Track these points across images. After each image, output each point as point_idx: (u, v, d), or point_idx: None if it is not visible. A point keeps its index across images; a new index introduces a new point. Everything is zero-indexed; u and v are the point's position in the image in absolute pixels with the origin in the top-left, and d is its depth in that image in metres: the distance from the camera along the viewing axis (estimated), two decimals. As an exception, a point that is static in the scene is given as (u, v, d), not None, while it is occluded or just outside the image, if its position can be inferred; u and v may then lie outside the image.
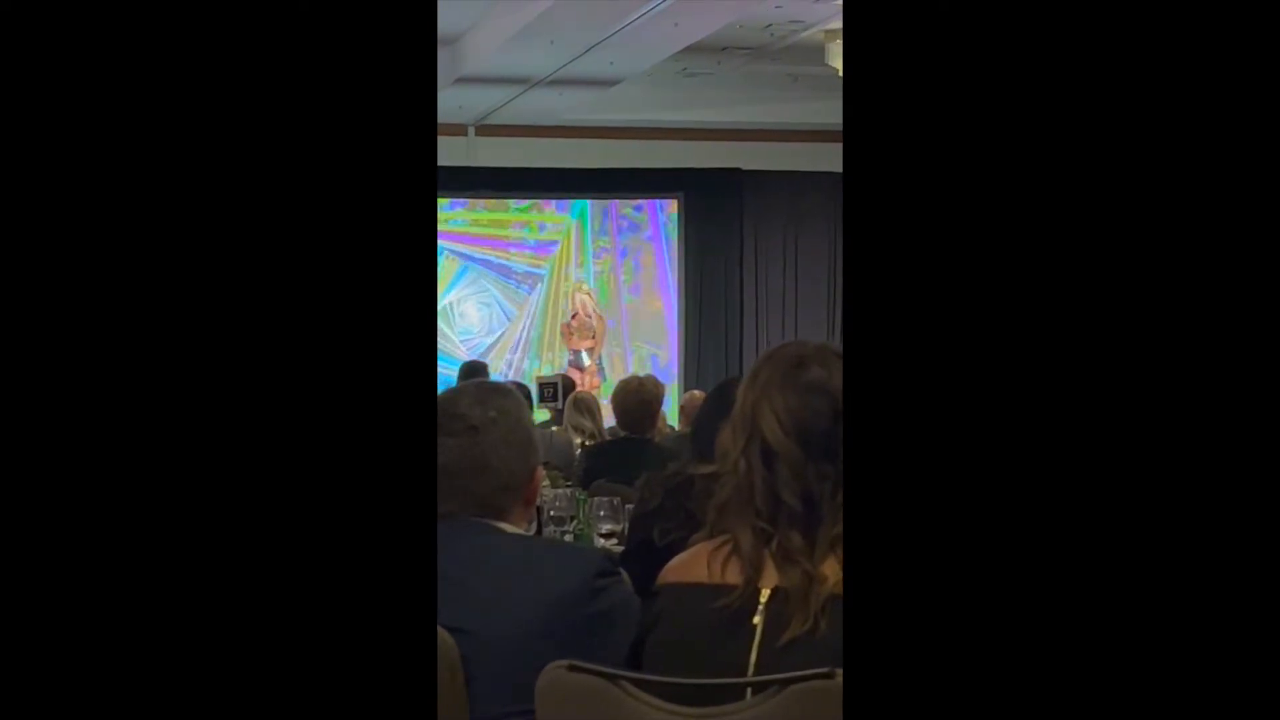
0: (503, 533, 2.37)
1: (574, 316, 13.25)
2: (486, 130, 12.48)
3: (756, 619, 2.08)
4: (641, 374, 7.14)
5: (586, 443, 7.24)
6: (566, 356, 13.24)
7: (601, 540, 4.20)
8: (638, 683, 2.02)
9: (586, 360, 13.18)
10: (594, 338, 13.28)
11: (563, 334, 13.26)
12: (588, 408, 7.76)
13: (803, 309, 13.72)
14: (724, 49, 10.90)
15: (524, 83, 10.90)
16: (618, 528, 4.18)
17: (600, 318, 13.31)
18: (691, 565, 2.18)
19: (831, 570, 2.07)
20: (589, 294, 13.32)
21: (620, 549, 3.83)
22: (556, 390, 8.40)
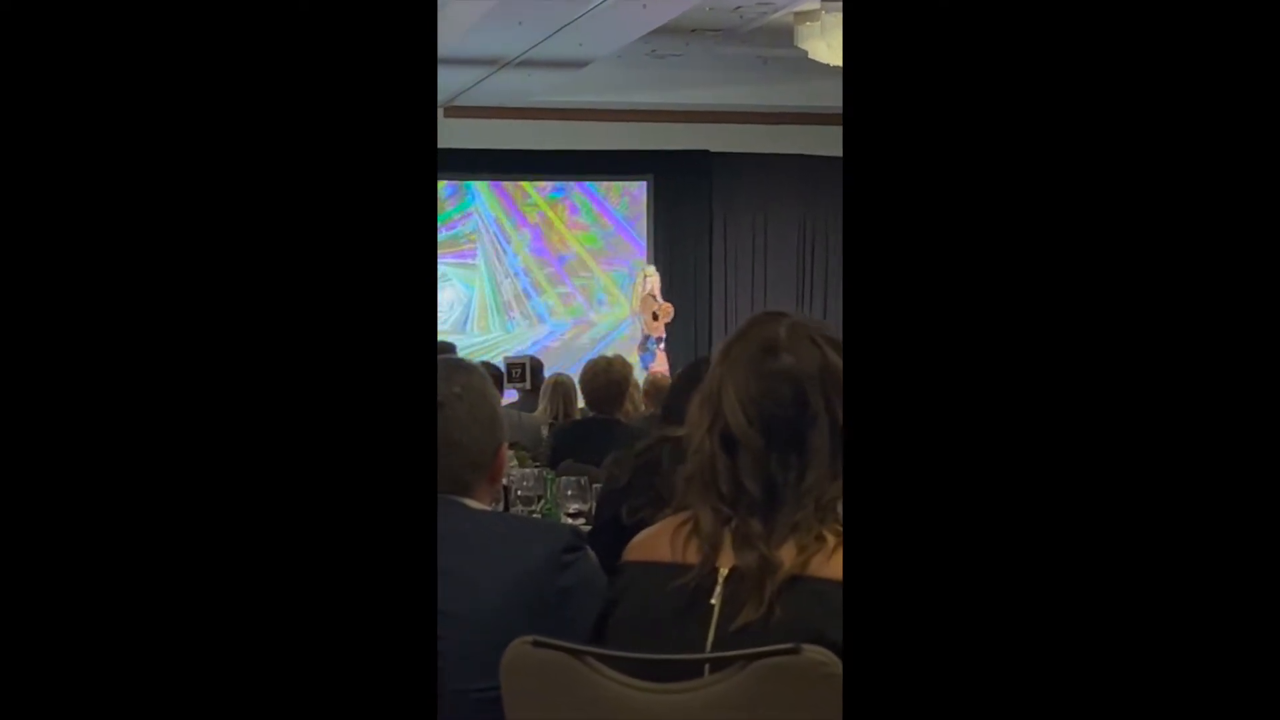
0: (468, 509, 2.37)
1: (655, 299, 13.04)
2: (455, 111, 12.46)
3: (714, 599, 2.08)
4: (610, 354, 7.14)
5: (553, 422, 7.24)
6: (653, 342, 12.98)
7: (569, 519, 4.20)
8: (602, 658, 2.02)
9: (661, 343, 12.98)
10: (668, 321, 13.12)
11: (657, 316, 12.97)
12: (565, 392, 7.74)
13: (772, 291, 13.74)
14: (693, 31, 10.90)
15: (493, 64, 10.88)
16: (585, 507, 4.19)
17: None
18: (655, 542, 2.18)
19: (788, 554, 2.06)
20: (658, 279, 13.16)
21: (588, 528, 3.83)
22: (525, 371, 8.38)
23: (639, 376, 9.62)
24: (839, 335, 2.18)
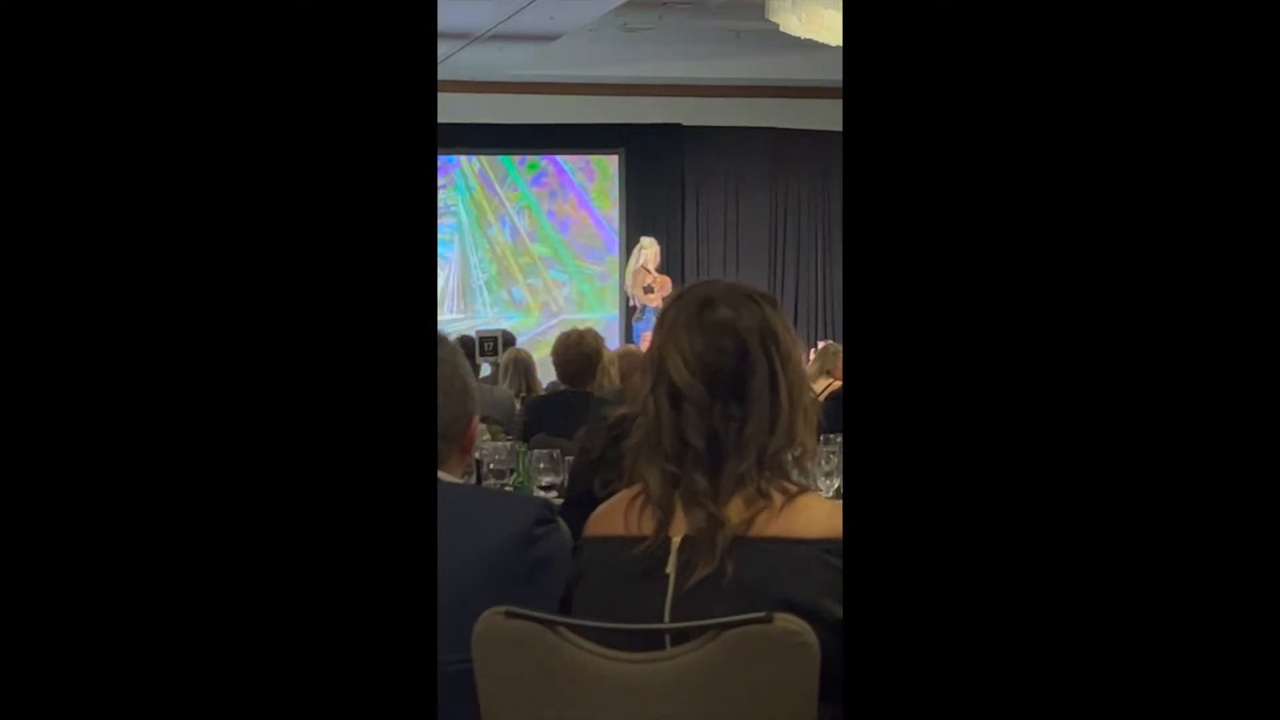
0: (440, 482, 2.36)
1: (649, 271, 12.94)
2: (426, 85, 12.39)
3: (669, 568, 2.09)
4: (581, 327, 7.12)
5: (524, 396, 7.23)
6: (649, 313, 12.84)
7: (541, 492, 4.20)
8: (574, 629, 2.02)
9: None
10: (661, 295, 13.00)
11: (651, 289, 12.86)
12: (525, 367, 7.73)
13: (744, 263, 13.75)
14: (665, 4, 10.87)
15: (464, 37, 10.84)
16: (557, 480, 4.19)
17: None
18: (610, 517, 2.19)
19: (736, 511, 2.07)
20: (656, 251, 13.03)
21: (560, 501, 3.83)
22: (496, 345, 8.39)
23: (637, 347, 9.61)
24: (774, 296, 2.23)
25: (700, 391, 2.10)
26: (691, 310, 2.15)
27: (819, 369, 7.70)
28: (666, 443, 2.11)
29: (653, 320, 11.22)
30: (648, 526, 2.11)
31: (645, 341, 11.35)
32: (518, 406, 7.05)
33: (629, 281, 13.02)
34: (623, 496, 2.18)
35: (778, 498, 2.08)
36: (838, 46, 8.50)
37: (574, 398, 6.17)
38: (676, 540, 2.09)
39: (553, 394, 6.75)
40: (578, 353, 6.26)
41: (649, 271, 12.86)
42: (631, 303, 13.11)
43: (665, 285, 12.90)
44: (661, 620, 2.06)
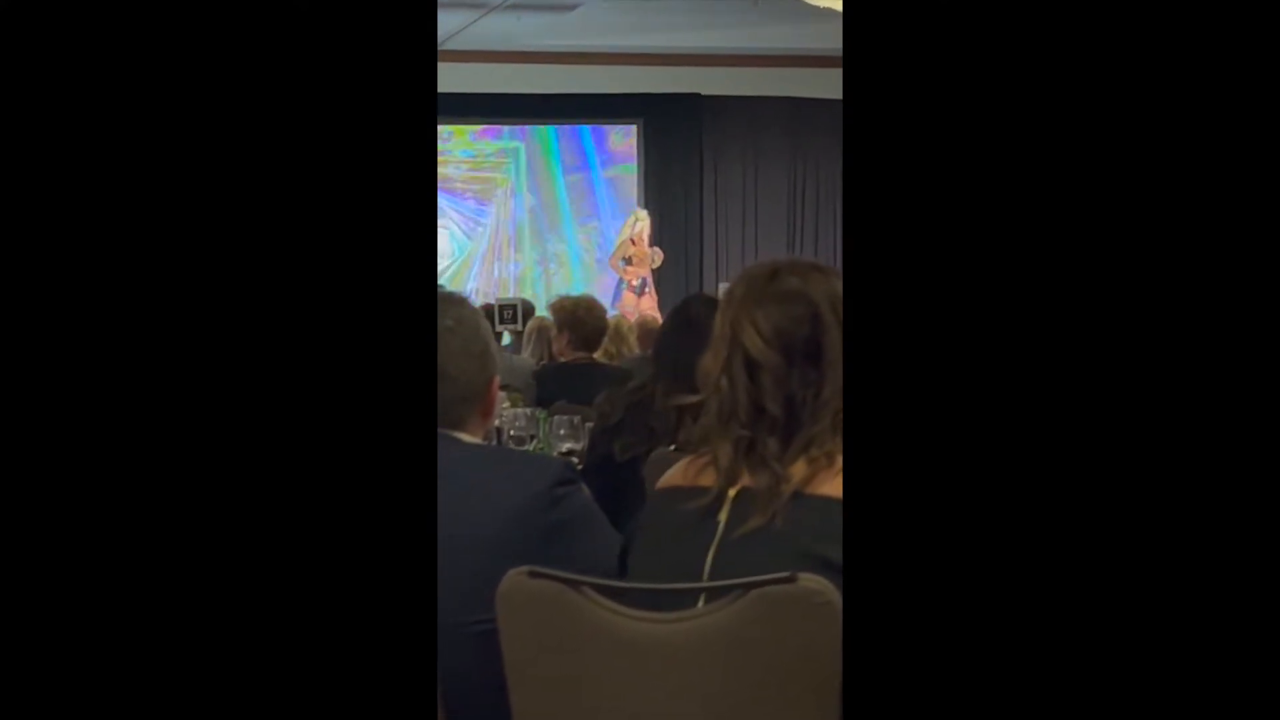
0: (461, 442, 2.36)
1: (634, 244, 12.93)
2: (444, 56, 12.36)
3: (721, 515, 2.10)
4: (574, 295, 7.13)
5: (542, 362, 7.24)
6: (622, 284, 12.89)
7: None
8: (599, 588, 2.02)
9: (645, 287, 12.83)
10: (648, 265, 12.97)
11: (631, 261, 12.86)
12: (549, 336, 7.72)
13: (762, 234, 13.75)
14: (683, -27, 10.85)
15: (482, 7, 10.83)
16: (578, 446, 4.19)
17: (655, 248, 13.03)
18: (675, 474, 2.22)
19: (799, 470, 2.09)
20: (648, 222, 13.04)
21: (580, 467, 3.83)
22: (516, 312, 8.38)
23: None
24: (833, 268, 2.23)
25: (777, 360, 2.12)
26: (760, 283, 2.17)
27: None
28: (742, 413, 2.12)
29: (623, 294, 11.25)
30: (708, 480, 2.13)
31: (622, 308, 11.38)
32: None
33: (614, 253, 13.05)
34: (687, 459, 2.21)
35: (840, 460, 2.09)
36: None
37: (587, 366, 6.18)
38: (732, 493, 2.11)
39: (564, 362, 6.75)
40: (591, 319, 6.27)
41: (632, 243, 12.85)
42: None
43: (646, 259, 12.86)
44: (703, 565, 2.07)
